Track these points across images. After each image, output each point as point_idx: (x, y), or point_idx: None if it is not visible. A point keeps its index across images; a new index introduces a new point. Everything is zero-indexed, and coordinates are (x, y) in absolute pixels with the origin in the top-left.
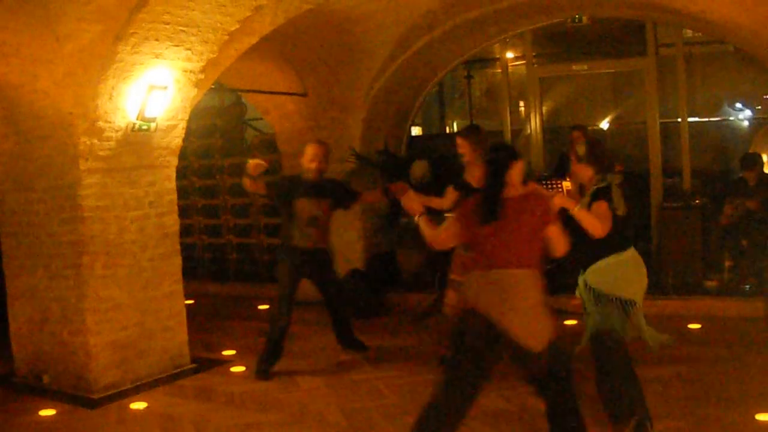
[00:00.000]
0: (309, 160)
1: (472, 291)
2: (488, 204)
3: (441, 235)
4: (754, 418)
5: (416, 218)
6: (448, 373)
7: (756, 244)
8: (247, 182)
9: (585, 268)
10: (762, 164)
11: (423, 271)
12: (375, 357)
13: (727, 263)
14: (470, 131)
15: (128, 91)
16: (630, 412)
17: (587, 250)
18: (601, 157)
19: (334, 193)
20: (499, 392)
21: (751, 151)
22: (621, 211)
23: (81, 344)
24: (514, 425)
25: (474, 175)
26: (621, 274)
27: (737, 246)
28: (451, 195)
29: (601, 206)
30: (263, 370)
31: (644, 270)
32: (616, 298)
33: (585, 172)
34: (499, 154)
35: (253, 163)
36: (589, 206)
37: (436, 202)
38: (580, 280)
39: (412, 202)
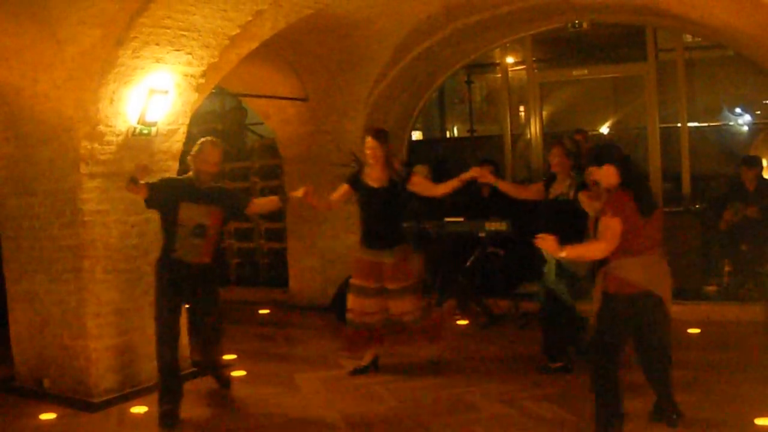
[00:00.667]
0: (213, 162)
1: (637, 274)
2: (648, 198)
3: (611, 241)
4: (753, 422)
5: (563, 255)
6: (602, 356)
7: (755, 249)
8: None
9: None
10: (762, 167)
11: (423, 275)
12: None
13: (727, 268)
14: (382, 132)
15: (129, 95)
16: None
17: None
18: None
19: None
20: (499, 397)
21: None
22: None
23: (81, 348)
24: (512, 430)
25: (372, 176)
26: None
27: (737, 251)
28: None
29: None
30: (165, 416)
31: None
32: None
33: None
34: (624, 155)
35: (139, 168)
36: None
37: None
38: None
39: (550, 243)
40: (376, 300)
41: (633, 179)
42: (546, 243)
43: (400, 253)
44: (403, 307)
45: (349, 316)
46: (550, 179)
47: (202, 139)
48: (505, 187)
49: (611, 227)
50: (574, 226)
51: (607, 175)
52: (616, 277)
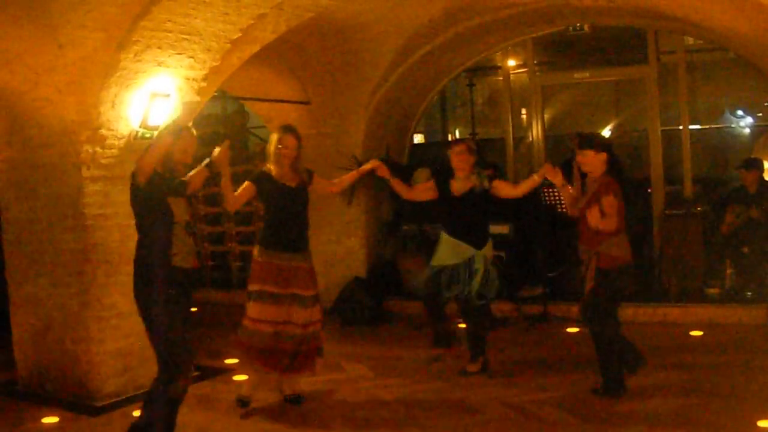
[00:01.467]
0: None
1: (625, 249)
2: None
3: (618, 219)
4: (756, 424)
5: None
6: (606, 318)
7: (757, 252)
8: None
9: None
10: (763, 169)
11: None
12: (377, 364)
13: (729, 270)
14: (294, 129)
15: (131, 99)
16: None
17: None
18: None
19: None
20: (502, 400)
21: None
22: None
23: (84, 352)
24: (511, 429)
25: (287, 176)
26: None
27: (738, 253)
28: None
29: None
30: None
31: None
32: None
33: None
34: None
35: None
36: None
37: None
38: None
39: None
40: (281, 307)
41: (617, 167)
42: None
43: (310, 258)
44: (311, 316)
45: (248, 324)
46: (446, 177)
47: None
48: (396, 186)
49: (618, 206)
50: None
51: (600, 161)
52: (610, 255)
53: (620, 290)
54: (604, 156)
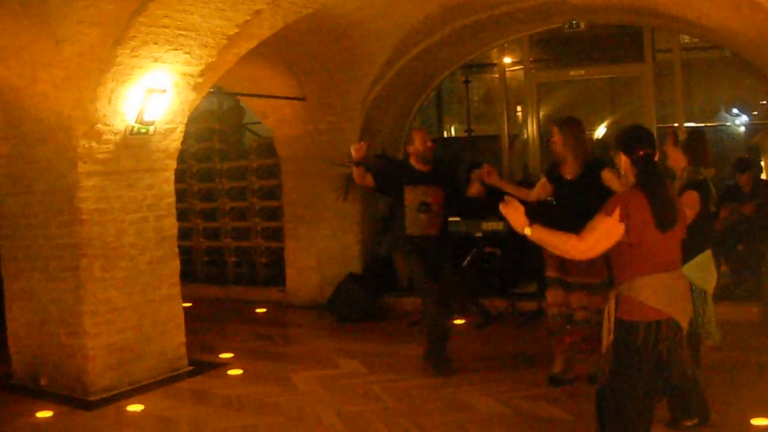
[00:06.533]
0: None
1: (656, 296)
2: (670, 209)
3: (593, 245)
4: (749, 422)
5: (526, 230)
6: (628, 392)
7: (752, 249)
8: (354, 173)
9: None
10: (758, 168)
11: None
12: (371, 360)
13: (723, 268)
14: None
15: (127, 94)
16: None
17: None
18: (700, 151)
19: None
20: (495, 396)
21: (746, 156)
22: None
23: (79, 346)
24: (508, 429)
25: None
26: (709, 267)
27: (733, 251)
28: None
29: (692, 195)
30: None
31: None
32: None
33: (679, 160)
34: (649, 152)
35: (354, 148)
36: (680, 194)
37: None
38: None
39: (516, 213)
40: None
41: (650, 184)
42: (509, 210)
43: None
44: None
45: None
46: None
47: None
48: (515, 192)
49: (604, 229)
50: None
51: (626, 167)
52: (632, 301)
53: (647, 354)
54: (627, 162)
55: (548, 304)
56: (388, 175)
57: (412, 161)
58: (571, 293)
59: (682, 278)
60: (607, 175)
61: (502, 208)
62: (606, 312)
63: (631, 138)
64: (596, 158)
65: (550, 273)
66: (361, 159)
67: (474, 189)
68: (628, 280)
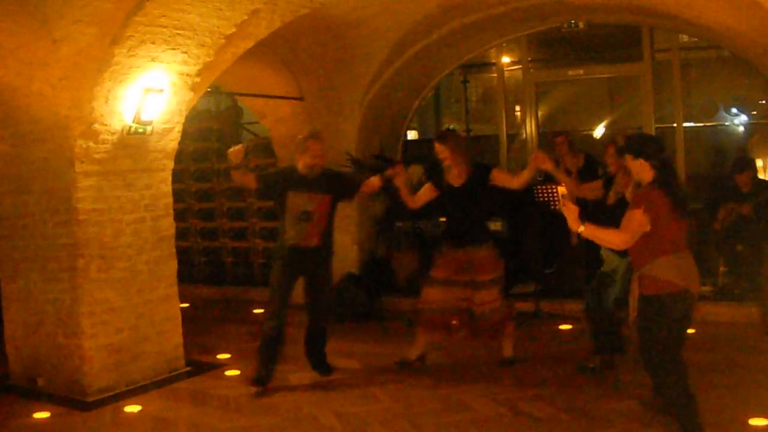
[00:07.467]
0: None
1: (674, 272)
2: (683, 198)
3: (633, 234)
4: (747, 423)
5: (580, 228)
6: (666, 361)
7: (750, 249)
8: (234, 175)
9: None
10: (755, 168)
11: (417, 276)
12: (369, 361)
13: (722, 268)
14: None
15: (124, 94)
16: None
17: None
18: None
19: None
20: (493, 397)
21: (745, 156)
22: None
23: (76, 347)
24: (506, 429)
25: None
26: None
27: (732, 251)
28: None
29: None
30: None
31: None
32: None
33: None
34: (667, 157)
35: (233, 151)
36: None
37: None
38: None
39: (573, 214)
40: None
41: (667, 181)
42: (568, 210)
43: None
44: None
45: None
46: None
47: None
48: (405, 196)
49: (637, 220)
50: None
51: (641, 169)
52: (654, 278)
53: (670, 321)
54: (645, 166)
55: (427, 301)
56: (270, 178)
57: (299, 166)
58: (476, 292)
59: (690, 257)
60: (499, 176)
61: (564, 209)
62: (630, 292)
63: (651, 147)
64: (477, 163)
65: (439, 274)
66: (240, 163)
67: (368, 186)
68: (649, 262)
